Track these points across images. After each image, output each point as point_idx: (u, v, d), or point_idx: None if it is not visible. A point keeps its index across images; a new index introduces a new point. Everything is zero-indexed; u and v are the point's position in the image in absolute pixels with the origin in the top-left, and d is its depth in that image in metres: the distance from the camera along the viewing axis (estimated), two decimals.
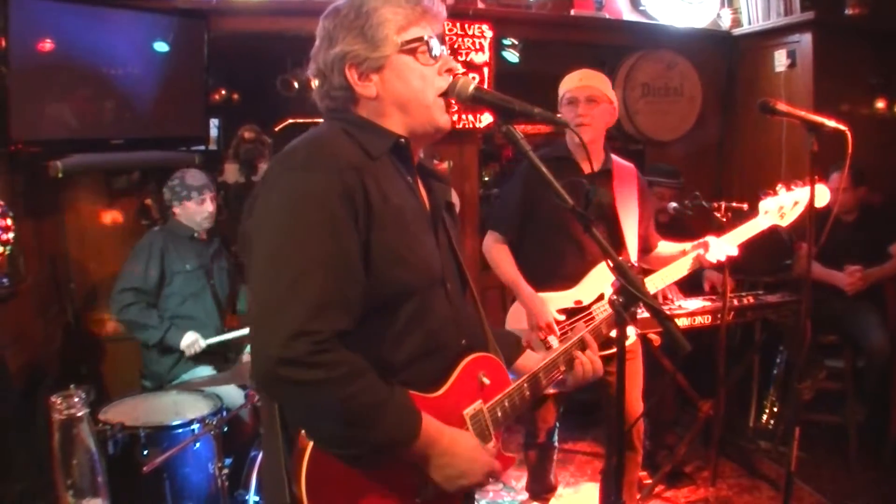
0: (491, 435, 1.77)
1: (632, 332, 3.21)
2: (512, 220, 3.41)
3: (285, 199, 1.49)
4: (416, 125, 1.68)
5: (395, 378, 1.58)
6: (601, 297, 3.23)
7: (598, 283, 3.23)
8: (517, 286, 3.30)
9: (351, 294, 1.48)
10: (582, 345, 1.98)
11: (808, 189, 3.03)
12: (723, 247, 3.11)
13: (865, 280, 4.48)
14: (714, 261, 3.11)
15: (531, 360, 2.02)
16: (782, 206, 3.11)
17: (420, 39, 1.64)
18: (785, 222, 3.12)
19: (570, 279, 3.27)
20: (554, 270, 3.29)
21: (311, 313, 1.39)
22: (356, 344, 1.51)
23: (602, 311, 3.17)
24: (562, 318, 3.24)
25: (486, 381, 1.78)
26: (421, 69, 1.65)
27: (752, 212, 3.20)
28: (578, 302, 3.25)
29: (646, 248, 3.42)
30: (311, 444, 1.50)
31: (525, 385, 1.87)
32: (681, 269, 3.17)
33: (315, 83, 1.73)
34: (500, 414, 1.80)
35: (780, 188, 3.11)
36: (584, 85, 3.26)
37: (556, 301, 3.25)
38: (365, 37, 1.61)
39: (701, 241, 3.16)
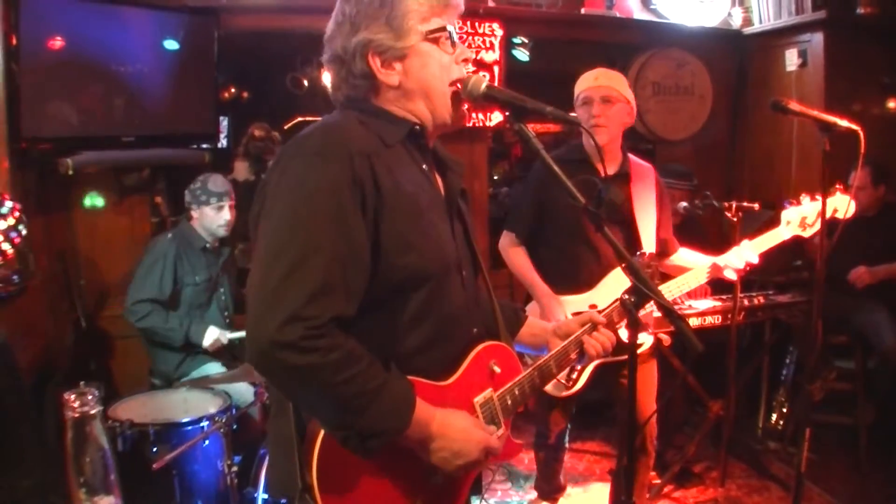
0: (501, 422, 1.79)
1: (647, 338, 3.21)
2: (525, 221, 3.41)
3: (295, 183, 1.51)
4: (437, 110, 1.70)
5: (406, 365, 1.60)
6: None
7: (614, 287, 3.17)
8: (533, 285, 3.29)
9: (352, 281, 1.49)
10: (591, 329, 1.97)
11: (832, 200, 3.00)
12: (743, 255, 3.10)
13: (872, 276, 4.46)
14: (733, 269, 3.09)
15: (534, 332, 2.06)
16: (805, 217, 3.08)
17: (443, 29, 1.66)
18: (807, 234, 3.09)
19: (585, 283, 3.25)
20: (569, 274, 3.27)
21: (308, 298, 1.40)
22: (369, 331, 1.54)
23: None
24: None
25: (497, 369, 1.80)
26: (440, 58, 1.67)
27: (773, 220, 3.18)
28: (593, 306, 3.18)
29: (664, 251, 3.37)
30: (322, 431, 1.52)
31: (535, 373, 1.89)
32: (698, 276, 3.17)
33: (329, 71, 1.75)
34: (509, 402, 1.82)
35: (804, 198, 3.08)
36: (599, 84, 3.21)
37: (571, 304, 3.23)
38: (390, 26, 1.63)
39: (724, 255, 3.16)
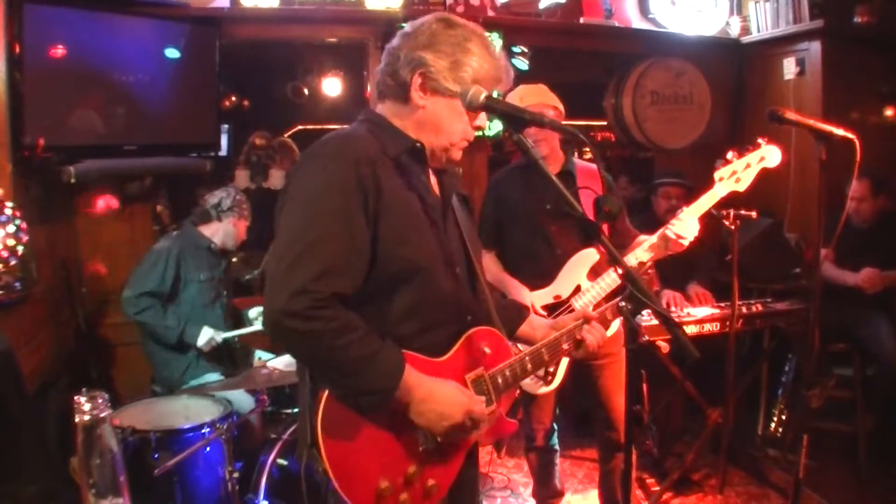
0: (493, 399, 1.97)
1: (615, 324, 3.20)
2: (490, 232, 3.55)
3: (310, 183, 1.74)
4: (436, 149, 1.90)
5: (405, 345, 1.79)
6: (578, 289, 3.30)
7: (573, 276, 3.32)
8: (502, 279, 3.43)
9: (353, 265, 1.71)
10: (584, 322, 2.13)
11: (757, 152, 3.10)
12: (684, 220, 3.11)
13: (883, 281, 4.46)
14: (676, 234, 3.09)
15: (534, 326, 2.23)
16: (735, 171, 3.12)
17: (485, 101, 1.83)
18: (741, 186, 3.13)
19: (546, 276, 3.36)
20: (531, 271, 3.39)
21: (315, 275, 1.63)
22: (373, 315, 1.76)
23: (581, 303, 3.26)
24: (544, 313, 3.31)
25: (488, 350, 1.98)
26: (465, 115, 1.87)
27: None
28: (557, 297, 3.32)
29: (622, 242, 3.43)
30: (326, 393, 1.74)
31: (527, 358, 2.06)
32: (647, 247, 3.19)
33: (384, 58, 1.93)
34: (500, 381, 1.99)
35: (732, 155, 3.13)
36: (526, 105, 3.30)
37: (536, 298, 3.33)
38: (453, 65, 1.82)
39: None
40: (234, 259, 4.41)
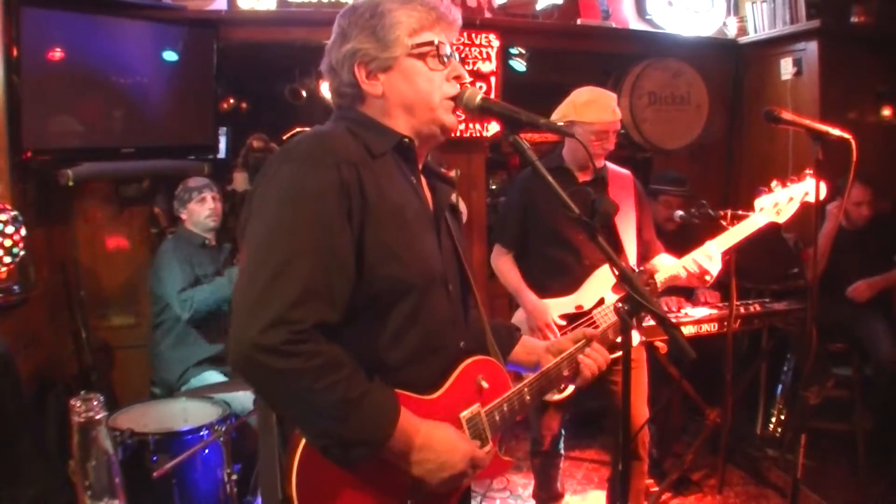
0: (488, 438, 1.78)
1: (635, 336, 3.23)
2: (512, 231, 3.51)
3: (282, 189, 1.51)
4: (420, 126, 1.70)
5: (392, 378, 1.59)
6: (601, 302, 3.26)
7: (598, 287, 3.28)
8: (519, 292, 3.40)
9: (337, 286, 1.48)
10: (585, 345, 1.98)
11: (802, 185, 3.08)
12: (713, 246, 3.13)
13: (871, 288, 4.48)
14: (704, 259, 3.11)
15: (528, 350, 2.05)
16: (777, 203, 3.12)
17: (430, 44, 1.66)
18: (781, 219, 3.14)
19: (570, 285, 3.32)
20: (554, 277, 3.35)
21: (293, 302, 1.40)
22: (353, 343, 1.54)
23: (602, 316, 3.23)
24: (563, 323, 3.29)
25: (485, 384, 1.78)
26: (428, 73, 1.67)
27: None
28: (579, 307, 3.29)
29: (646, 254, 3.45)
30: (303, 441, 1.51)
31: (525, 390, 1.88)
32: (674, 268, 3.21)
33: (327, 81, 1.76)
34: (498, 418, 1.81)
35: (776, 185, 3.13)
36: (616, 119, 3.29)
37: (557, 307, 3.31)
38: (376, 36, 1.64)
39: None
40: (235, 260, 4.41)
